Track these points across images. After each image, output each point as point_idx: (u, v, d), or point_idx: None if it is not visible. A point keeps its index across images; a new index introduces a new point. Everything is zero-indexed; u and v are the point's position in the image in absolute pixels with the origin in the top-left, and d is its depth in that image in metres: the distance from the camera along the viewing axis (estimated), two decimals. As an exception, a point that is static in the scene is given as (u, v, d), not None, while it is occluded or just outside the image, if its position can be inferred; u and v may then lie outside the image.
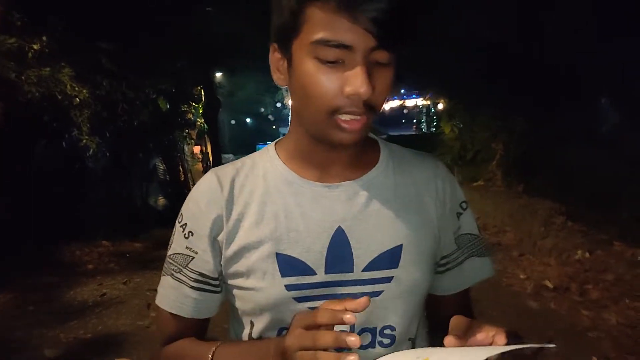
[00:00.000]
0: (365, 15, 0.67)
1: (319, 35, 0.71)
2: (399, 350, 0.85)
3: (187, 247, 0.89)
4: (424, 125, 23.95)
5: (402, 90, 22.44)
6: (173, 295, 0.90)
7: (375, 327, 0.86)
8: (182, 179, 10.48)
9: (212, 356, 0.83)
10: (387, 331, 0.87)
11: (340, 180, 0.88)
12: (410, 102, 25.49)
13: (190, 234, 0.88)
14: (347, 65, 0.72)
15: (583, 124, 8.36)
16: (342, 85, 0.72)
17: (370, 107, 0.74)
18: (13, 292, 5.19)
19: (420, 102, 23.51)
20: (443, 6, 8.15)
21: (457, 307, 0.97)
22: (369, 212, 0.87)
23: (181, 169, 10.52)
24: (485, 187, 10.07)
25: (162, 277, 0.93)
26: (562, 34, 7.13)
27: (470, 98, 10.34)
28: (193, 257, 0.88)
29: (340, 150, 0.85)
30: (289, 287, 0.83)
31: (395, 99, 24.25)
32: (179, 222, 0.91)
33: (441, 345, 0.66)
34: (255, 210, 0.86)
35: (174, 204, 9.46)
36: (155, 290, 0.94)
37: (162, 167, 10.14)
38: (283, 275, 0.83)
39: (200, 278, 0.89)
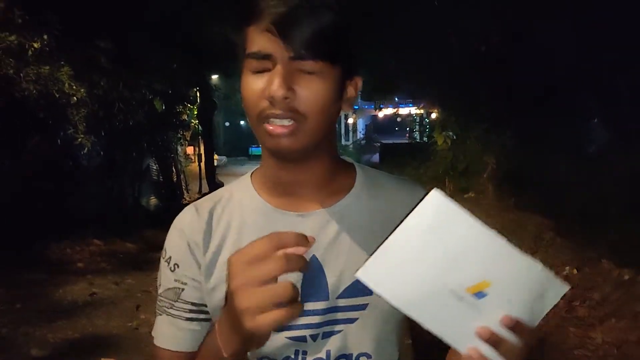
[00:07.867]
0: (282, 29, 0.74)
1: (250, 49, 0.78)
2: None
3: (175, 280, 0.90)
4: (416, 134, 23.96)
5: (396, 99, 22.51)
6: (169, 332, 0.90)
7: (352, 354, 0.87)
8: (175, 179, 10.46)
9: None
10: (363, 358, 0.88)
11: (313, 207, 0.88)
12: (403, 110, 25.59)
13: (176, 266, 0.90)
14: (271, 73, 0.77)
15: (574, 141, 8.46)
16: (265, 90, 0.76)
17: (296, 112, 0.77)
18: (0, 289, 5.13)
19: (413, 110, 23.58)
20: (438, 18, 8.25)
21: None
22: (342, 239, 0.87)
23: (174, 169, 10.51)
24: (477, 199, 10.12)
25: (157, 317, 0.92)
26: (555, 50, 7.22)
27: (463, 110, 10.41)
28: (183, 289, 0.89)
29: (287, 161, 0.86)
30: None
31: (389, 107, 24.35)
32: (164, 258, 0.91)
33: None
34: (232, 243, 0.88)
35: (166, 204, 9.45)
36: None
37: (155, 167, 10.13)
38: None
39: (193, 308, 0.89)
